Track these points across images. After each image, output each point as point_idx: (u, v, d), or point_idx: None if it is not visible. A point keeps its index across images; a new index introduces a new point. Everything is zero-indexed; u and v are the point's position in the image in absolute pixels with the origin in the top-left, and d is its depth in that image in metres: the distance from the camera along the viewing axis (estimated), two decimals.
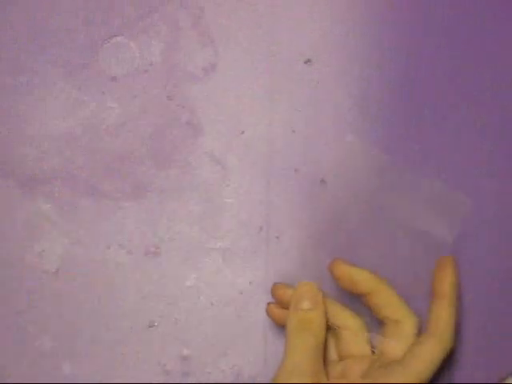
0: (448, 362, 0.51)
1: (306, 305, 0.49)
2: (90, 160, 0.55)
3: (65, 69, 0.55)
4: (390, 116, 0.55)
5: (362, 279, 0.49)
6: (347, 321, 0.50)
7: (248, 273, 0.54)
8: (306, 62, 0.56)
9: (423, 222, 0.53)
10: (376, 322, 0.51)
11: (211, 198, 0.55)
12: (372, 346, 0.50)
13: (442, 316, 0.48)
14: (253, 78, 0.56)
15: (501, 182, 0.55)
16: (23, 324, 0.54)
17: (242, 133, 0.55)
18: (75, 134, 0.55)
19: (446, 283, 0.49)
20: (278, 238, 0.54)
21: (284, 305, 0.51)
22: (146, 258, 0.54)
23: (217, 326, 0.54)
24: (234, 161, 0.55)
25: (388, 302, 0.49)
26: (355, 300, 0.51)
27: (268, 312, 0.52)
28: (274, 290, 0.52)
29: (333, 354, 0.51)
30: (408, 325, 0.49)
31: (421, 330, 0.49)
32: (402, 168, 0.54)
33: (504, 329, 0.54)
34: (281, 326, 0.52)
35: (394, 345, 0.48)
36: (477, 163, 0.55)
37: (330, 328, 0.50)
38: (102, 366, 0.53)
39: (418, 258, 0.53)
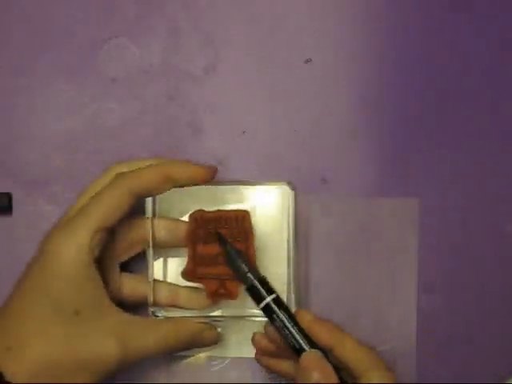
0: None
1: (315, 378, 0.45)
2: (90, 161, 0.55)
3: (65, 70, 0.55)
4: (390, 115, 0.55)
5: (322, 333, 0.46)
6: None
7: None
8: (306, 62, 0.56)
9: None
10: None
11: None
12: None
13: (358, 350, 0.46)
14: (253, 78, 0.56)
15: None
16: None
17: (243, 133, 0.55)
18: (76, 135, 0.55)
19: (328, 333, 0.47)
20: None
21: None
22: None
23: None
24: (235, 160, 0.55)
25: (353, 357, 0.46)
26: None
27: (254, 342, 0.49)
28: (256, 341, 0.49)
29: None
30: (376, 377, 0.45)
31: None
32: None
33: (504, 329, 0.54)
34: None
35: None
36: (477, 163, 0.55)
37: None
38: None
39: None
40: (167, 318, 0.50)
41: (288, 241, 0.51)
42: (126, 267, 0.52)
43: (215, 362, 0.54)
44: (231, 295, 0.49)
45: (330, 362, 0.46)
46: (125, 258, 0.51)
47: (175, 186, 0.49)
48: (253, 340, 0.49)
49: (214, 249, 0.49)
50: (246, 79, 0.55)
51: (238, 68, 0.56)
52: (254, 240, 0.49)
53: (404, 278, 0.54)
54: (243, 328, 0.53)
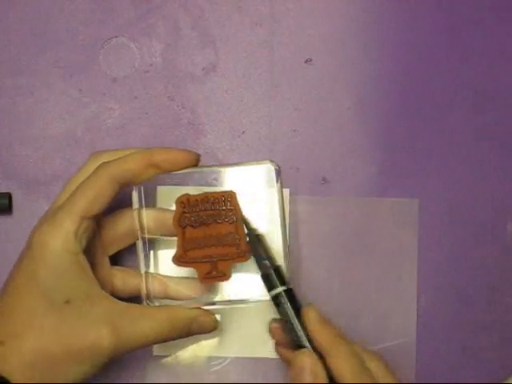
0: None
1: (307, 379, 0.45)
2: None
3: (65, 70, 0.55)
4: (390, 115, 0.55)
5: (319, 336, 0.46)
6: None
7: None
8: (306, 62, 0.56)
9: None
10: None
11: None
12: None
13: (347, 363, 0.45)
14: (253, 78, 0.56)
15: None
16: None
17: (243, 132, 0.55)
18: (76, 136, 0.55)
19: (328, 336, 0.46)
20: None
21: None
22: None
23: None
24: (235, 160, 0.55)
25: (339, 368, 0.45)
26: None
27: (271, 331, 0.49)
28: (271, 329, 0.49)
29: None
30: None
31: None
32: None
33: (504, 329, 0.54)
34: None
35: None
36: (477, 163, 0.55)
37: None
38: None
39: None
40: (162, 306, 0.49)
41: (279, 216, 0.50)
42: (117, 261, 0.52)
43: (215, 362, 0.54)
44: (224, 276, 0.49)
45: (325, 364, 0.46)
46: (114, 250, 0.51)
47: (158, 173, 0.49)
48: (270, 330, 0.49)
49: (202, 231, 0.49)
50: (246, 79, 0.56)
51: (238, 68, 0.56)
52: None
53: (404, 278, 0.54)
54: (243, 328, 0.53)
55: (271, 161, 0.49)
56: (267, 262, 0.48)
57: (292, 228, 0.54)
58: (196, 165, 0.49)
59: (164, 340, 0.49)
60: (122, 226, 0.50)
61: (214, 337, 0.53)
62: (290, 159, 0.55)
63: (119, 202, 0.50)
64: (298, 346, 0.46)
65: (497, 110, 0.56)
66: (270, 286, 0.47)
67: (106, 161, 0.48)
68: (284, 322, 0.47)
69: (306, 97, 0.55)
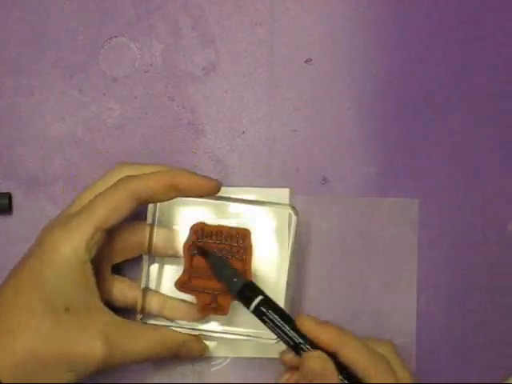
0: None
1: (319, 380, 0.45)
2: (91, 161, 0.54)
3: (65, 70, 0.55)
4: (390, 115, 0.55)
5: (323, 338, 0.46)
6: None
7: None
8: (306, 62, 0.56)
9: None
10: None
11: None
12: None
13: (360, 351, 0.46)
14: (253, 77, 0.56)
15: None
16: None
17: (243, 132, 0.55)
18: (76, 136, 0.55)
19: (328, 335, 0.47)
20: None
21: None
22: None
23: None
24: (235, 160, 0.55)
25: (355, 358, 0.46)
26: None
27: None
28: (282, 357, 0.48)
29: None
30: (379, 376, 0.46)
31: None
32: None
33: (504, 329, 0.54)
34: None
35: None
36: (477, 163, 0.55)
37: None
38: None
39: None
40: (156, 326, 0.50)
41: (287, 268, 0.51)
42: (119, 271, 0.52)
43: (215, 362, 0.54)
44: (222, 310, 0.49)
45: (334, 361, 0.46)
46: (118, 260, 0.51)
47: (178, 196, 0.49)
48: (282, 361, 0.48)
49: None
50: (245, 79, 0.56)
51: (238, 68, 0.56)
52: (251, 260, 0.49)
53: (404, 278, 0.54)
54: (242, 327, 0.53)
55: (293, 207, 0.50)
56: (237, 280, 0.48)
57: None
58: (217, 193, 0.49)
59: (152, 359, 0.50)
60: (131, 239, 0.51)
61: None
62: (289, 159, 0.55)
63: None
64: (295, 348, 0.46)
65: (496, 110, 0.56)
66: (246, 301, 0.47)
67: (129, 174, 0.48)
68: (271, 329, 0.47)
69: (306, 97, 0.55)
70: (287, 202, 0.54)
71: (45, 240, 0.47)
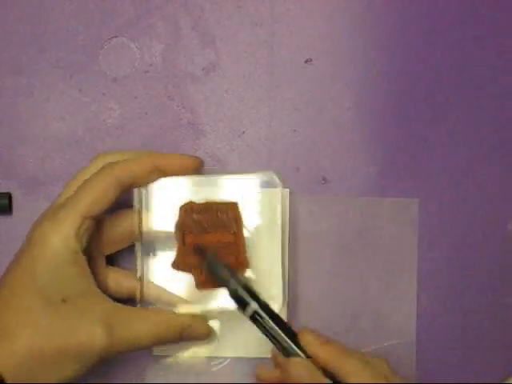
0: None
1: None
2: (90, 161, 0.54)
3: (65, 70, 0.55)
4: (390, 115, 0.55)
5: (323, 356, 0.46)
6: None
7: None
8: (306, 62, 0.56)
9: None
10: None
11: None
12: None
13: (359, 376, 0.45)
14: (253, 77, 0.56)
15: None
16: None
17: (243, 132, 0.55)
18: (76, 136, 0.55)
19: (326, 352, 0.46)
20: None
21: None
22: None
23: None
24: (235, 160, 0.55)
25: (352, 371, 0.45)
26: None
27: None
28: (258, 374, 0.48)
29: None
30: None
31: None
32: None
33: (504, 329, 0.54)
34: None
35: None
36: (477, 163, 0.55)
37: None
38: None
39: None
40: (158, 309, 0.49)
41: (281, 232, 0.51)
42: (115, 262, 0.52)
43: (215, 362, 0.54)
44: (245, 265, 0.49)
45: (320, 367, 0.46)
46: (111, 250, 0.51)
47: (162, 177, 0.49)
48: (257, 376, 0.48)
49: (202, 239, 0.50)
50: (246, 79, 0.55)
51: (238, 68, 0.56)
52: (242, 231, 0.50)
53: (404, 278, 0.54)
54: (243, 328, 0.53)
55: (277, 173, 0.50)
56: (233, 281, 0.47)
57: (292, 228, 0.54)
58: (200, 169, 0.50)
59: (157, 343, 0.49)
60: (121, 227, 0.51)
61: (214, 337, 0.53)
62: (289, 159, 0.55)
63: (120, 202, 0.50)
64: (286, 353, 0.46)
65: (497, 110, 0.56)
66: (243, 305, 0.47)
67: (111, 161, 0.48)
68: (265, 334, 0.47)
69: (306, 97, 0.55)
70: (287, 202, 0.54)
71: (34, 235, 0.47)
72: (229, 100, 0.55)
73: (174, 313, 0.50)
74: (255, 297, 0.47)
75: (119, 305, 0.48)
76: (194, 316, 0.50)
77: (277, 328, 0.47)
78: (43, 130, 0.55)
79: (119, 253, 0.52)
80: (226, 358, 0.54)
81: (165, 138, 0.55)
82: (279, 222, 0.50)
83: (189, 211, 0.50)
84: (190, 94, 0.55)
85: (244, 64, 0.56)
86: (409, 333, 0.54)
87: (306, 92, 0.55)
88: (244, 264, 0.50)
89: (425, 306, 0.54)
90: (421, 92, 0.55)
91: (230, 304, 0.48)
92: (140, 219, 0.50)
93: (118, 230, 0.51)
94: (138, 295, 0.50)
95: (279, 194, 0.51)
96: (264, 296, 0.48)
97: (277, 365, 0.48)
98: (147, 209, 0.50)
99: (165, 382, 0.54)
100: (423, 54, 0.56)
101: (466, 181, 0.55)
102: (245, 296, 0.47)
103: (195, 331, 0.50)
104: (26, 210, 0.54)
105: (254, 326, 0.48)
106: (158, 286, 0.51)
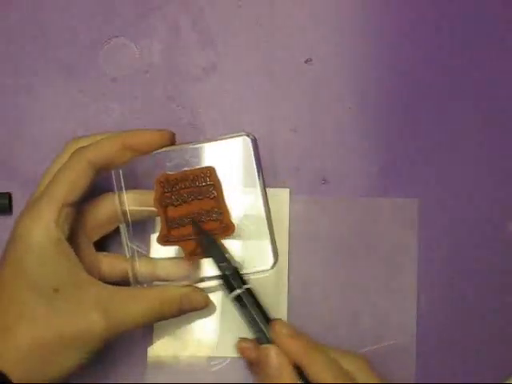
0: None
1: (273, 374, 0.45)
2: None
3: (65, 70, 0.55)
4: (390, 115, 0.56)
5: (293, 350, 0.46)
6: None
7: None
8: (306, 62, 0.56)
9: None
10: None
11: None
12: None
13: (325, 372, 0.45)
14: (253, 77, 0.56)
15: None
16: None
17: None
18: (76, 136, 0.55)
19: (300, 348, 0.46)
20: None
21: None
22: None
23: None
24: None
25: (318, 379, 0.45)
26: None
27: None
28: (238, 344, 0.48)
29: None
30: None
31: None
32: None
33: (504, 329, 0.54)
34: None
35: None
36: (477, 163, 0.55)
37: None
38: None
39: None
40: (151, 286, 0.50)
41: (260, 189, 0.50)
42: (104, 248, 0.52)
43: (215, 362, 0.54)
44: (229, 230, 0.49)
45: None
46: (98, 236, 0.51)
47: (135, 155, 0.49)
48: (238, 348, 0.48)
49: (185, 209, 0.49)
50: (246, 79, 0.56)
51: (238, 68, 0.56)
52: (223, 195, 0.49)
53: (404, 278, 0.54)
54: (243, 328, 0.53)
55: (248, 133, 0.49)
56: (224, 266, 0.48)
57: (292, 228, 0.54)
58: (172, 143, 0.49)
59: (156, 320, 0.49)
60: (103, 211, 0.51)
61: (213, 337, 0.53)
62: (289, 159, 0.55)
63: (101, 187, 0.50)
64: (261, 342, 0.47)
65: (497, 110, 0.56)
66: (230, 288, 0.48)
67: (81, 146, 0.48)
68: (246, 319, 0.47)
69: (306, 97, 0.55)
70: (287, 202, 0.54)
71: (16, 231, 0.47)
72: (229, 100, 0.55)
73: (170, 286, 0.49)
74: (243, 282, 0.47)
75: (111, 287, 0.48)
76: (188, 286, 0.50)
77: (255, 315, 0.47)
78: (43, 130, 0.55)
79: (109, 238, 0.52)
80: (225, 358, 0.54)
81: None
82: (256, 172, 0.50)
83: (165, 183, 0.49)
84: (190, 94, 0.55)
85: (244, 64, 0.56)
86: (409, 333, 0.54)
87: (305, 92, 0.55)
88: (230, 227, 0.49)
89: (425, 306, 0.54)
90: (421, 92, 0.55)
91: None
92: (120, 200, 0.50)
93: (101, 214, 0.50)
94: (131, 275, 0.50)
95: (250, 143, 0.49)
96: (255, 255, 0.48)
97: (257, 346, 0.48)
98: (127, 188, 0.50)
99: (165, 381, 0.54)
100: (424, 54, 0.56)
101: (465, 181, 0.55)
102: (234, 280, 0.47)
103: (192, 301, 0.50)
104: None
105: None
106: (150, 264, 0.50)
